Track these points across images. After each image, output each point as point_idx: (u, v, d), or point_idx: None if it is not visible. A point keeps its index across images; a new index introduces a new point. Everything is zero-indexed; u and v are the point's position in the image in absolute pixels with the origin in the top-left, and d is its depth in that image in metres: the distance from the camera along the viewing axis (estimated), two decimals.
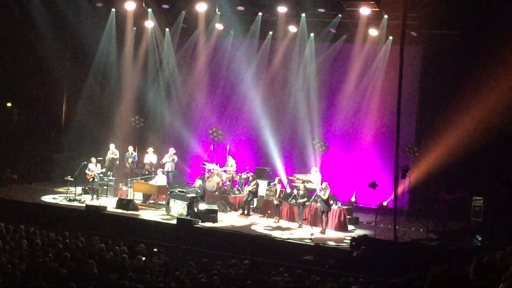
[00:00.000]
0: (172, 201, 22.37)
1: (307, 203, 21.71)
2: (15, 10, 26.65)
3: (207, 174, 24.91)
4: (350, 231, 21.44)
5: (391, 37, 24.67)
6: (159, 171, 24.34)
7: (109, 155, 25.73)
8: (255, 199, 23.74)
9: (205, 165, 25.39)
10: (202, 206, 22.22)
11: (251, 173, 24.16)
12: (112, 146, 25.98)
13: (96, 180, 24.34)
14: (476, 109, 22.29)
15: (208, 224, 21.20)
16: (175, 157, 25.63)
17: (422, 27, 23.65)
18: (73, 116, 29.00)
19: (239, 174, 25.07)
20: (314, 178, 23.12)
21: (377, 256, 17.64)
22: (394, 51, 23.84)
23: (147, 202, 24.00)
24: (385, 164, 24.05)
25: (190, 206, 21.57)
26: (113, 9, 27.53)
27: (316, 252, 18.57)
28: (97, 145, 27.49)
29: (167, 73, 28.77)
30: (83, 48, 28.17)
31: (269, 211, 22.86)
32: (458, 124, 22.65)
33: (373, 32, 24.72)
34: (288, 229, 21.41)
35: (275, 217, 22.33)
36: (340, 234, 20.99)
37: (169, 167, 25.33)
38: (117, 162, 25.90)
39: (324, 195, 21.03)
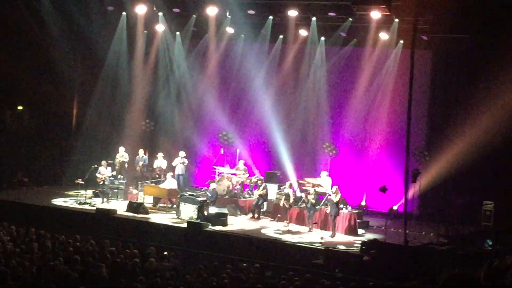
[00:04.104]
0: (182, 205, 22.36)
1: (317, 207, 21.67)
2: (25, 13, 26.70)
3: (217, 178, 24.92)
4: (360, 235, 21.38)
5: (401, 41, 24.63)
6: (169, 175, 24.36)
7: (119, 158, 25.73)
8: (265, 203, 23.73)
9: (216, 168, 25.41)
10: (212, 210, 22.24)
11: (261, 177, 24.14)
12: (121, 149, 25.98)
13: (106, 183, 24.42)
14: (487, 113, 22.24)
15: (218, 228, 21.17)
16: (186, 160, 25.65)
17: (433, 31, 23.57)
18: (83, 119, 29.02)
19: (249, 177, 25.05)
20: (324, 182, 23.07)
21: (387, 260, 17.60)
22: (404, 55, 23.81)
23: (157, 206, 24.04)
24: (396, 168, 23.96)
25: (200, 210, 21.58)
26: (124, 13, 27.57)
27: (326, 256, 18.54)
28: (108, 148, 27.51)
29: (178, 77, 28.79)
30: (94, 51, 28.24)
31: (279, 215, 22.84)
32: (469, 128, 22.60)
33: (383, 36, 24.71)
34: (298, 233, 21.37)
35: (285, 221, 22.31)
36: (350, 238, 20.93)
37: (179, 170, 25.35)
38: (127, 165, 25.92)
39: (334, 199, 21.00)
